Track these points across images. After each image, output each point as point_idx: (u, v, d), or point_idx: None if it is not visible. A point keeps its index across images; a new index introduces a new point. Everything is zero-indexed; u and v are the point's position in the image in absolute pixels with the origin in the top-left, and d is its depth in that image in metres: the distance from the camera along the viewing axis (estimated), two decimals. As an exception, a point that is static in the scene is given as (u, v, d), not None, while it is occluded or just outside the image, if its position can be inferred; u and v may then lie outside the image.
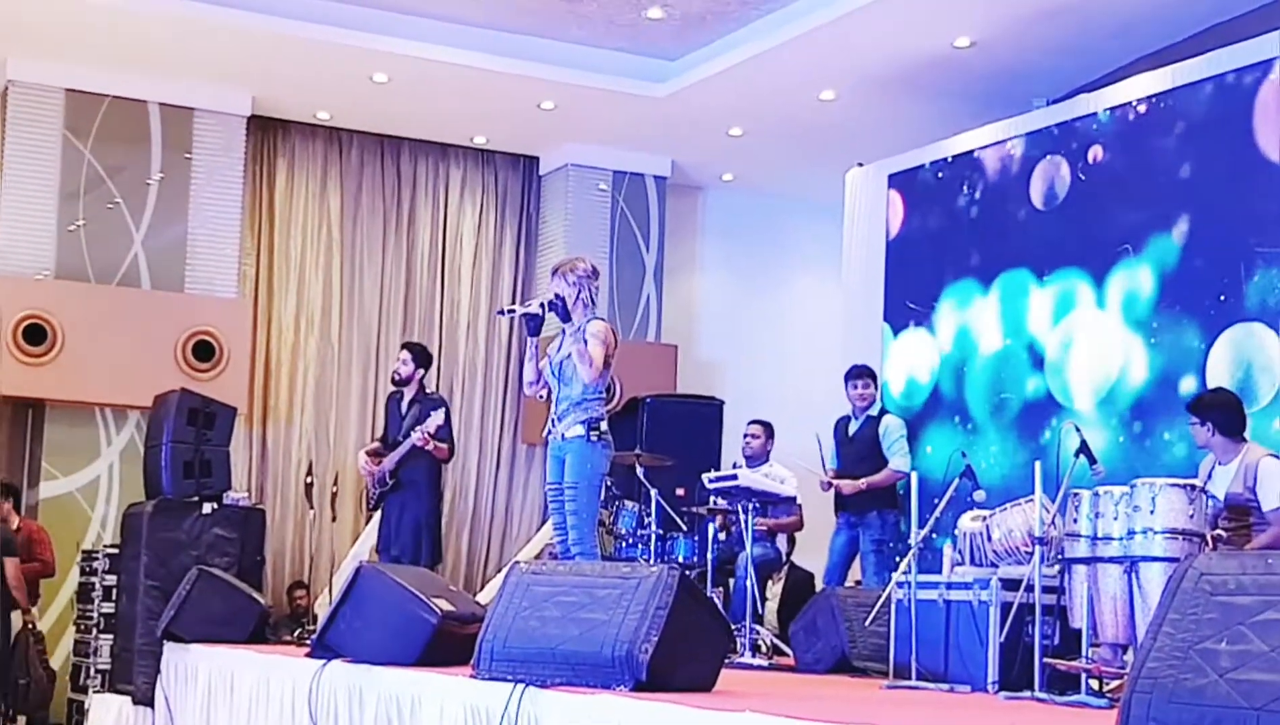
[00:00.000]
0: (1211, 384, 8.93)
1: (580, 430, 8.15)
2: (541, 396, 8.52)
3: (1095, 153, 10.30)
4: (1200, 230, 9.49)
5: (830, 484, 10.35)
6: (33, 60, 12.32)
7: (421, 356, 10.60)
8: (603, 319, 8.30)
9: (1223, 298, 9.23)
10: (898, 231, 12.01)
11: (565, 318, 8.22)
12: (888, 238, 12.09)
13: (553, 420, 8.30)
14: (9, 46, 12.14)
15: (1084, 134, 10.39)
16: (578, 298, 8.26)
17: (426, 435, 10.06)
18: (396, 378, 10.53)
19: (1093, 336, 10.16)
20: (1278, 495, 7.12)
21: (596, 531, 8.43)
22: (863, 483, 10.24)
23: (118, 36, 11.88)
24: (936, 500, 7.61)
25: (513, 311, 8.59)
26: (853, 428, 10.56)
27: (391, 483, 10.26)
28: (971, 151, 11.34)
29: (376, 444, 10.74)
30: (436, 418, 10.16)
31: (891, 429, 10.47)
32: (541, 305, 8.29)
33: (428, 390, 10.66)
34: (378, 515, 10.61)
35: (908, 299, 11.79)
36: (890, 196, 12.09)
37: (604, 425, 8.24)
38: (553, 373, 8.28)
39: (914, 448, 10.77)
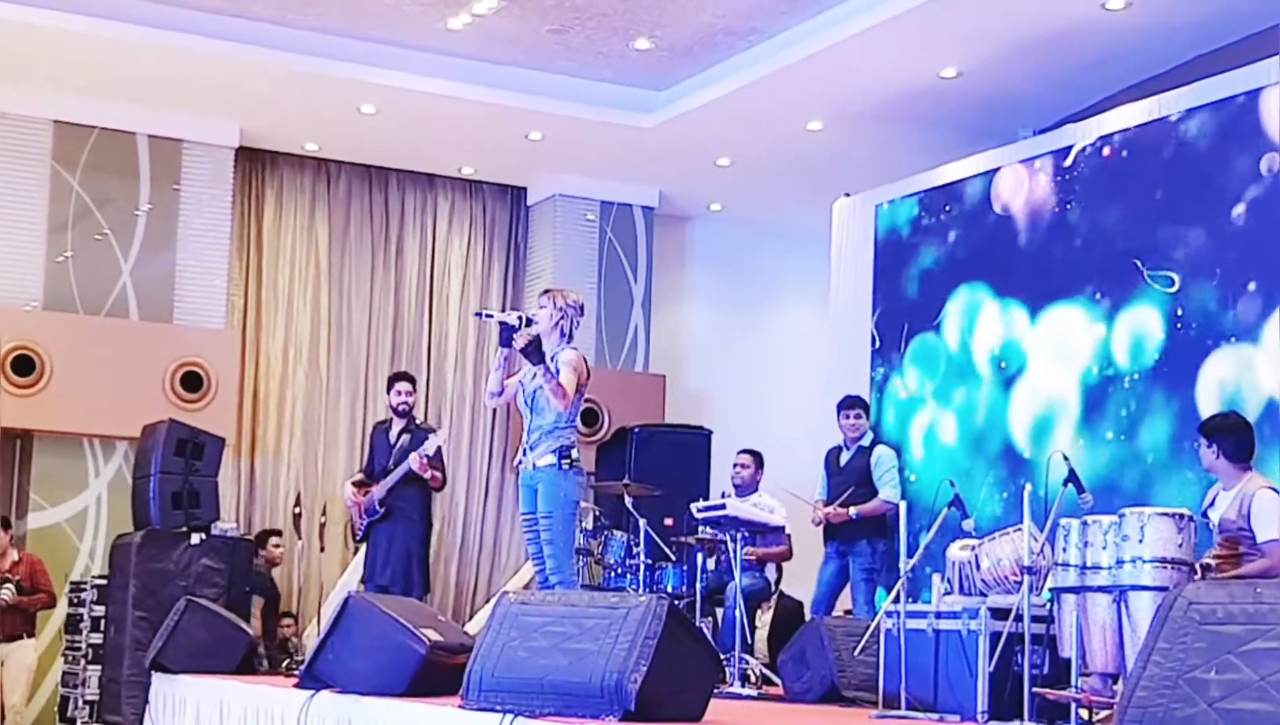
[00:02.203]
0: (1201, 407, 8.94)
1: (552, 459, 8.14)
2: (524, 416, 8.46)
3: (1082, 182, 10.33)
4: (1186, 256, 9.51)
5: (822, 520, 10.35)
6: (21, 91, 12.30)
7: (416, 386, 10.67)
8: (575, 348, 8.31)
9: (1208, 320, 9.26)
10: (884, 261, 12.03)
11: (537, 360, 8.03)
12: (875, 268, 12.10)
13: (524, 449, 8.29)
14: (-3, 77, 12.16)
15: (1070, 164, 10.43)
16: (556, 324, 8.25)
17: (425, 460, 10.06)
18: (402, 409, 10.48)
19: (1080, 364, 10.17)
20: (1271, 527, 7.08)
21: (574, 559, 8.41)
22: (852, 512, 10.24)
23: (106, 68, 11.88)
24: (924, 533, 7.59)
25: (491, 316, 8.55)
26: (844, 458, 10.56)
27: (382, 512, 10.23)
28: (958, 181, 11.37)
29: (360, 475, 10.72)
30: (436, 439, 10.17)
31: (884, 459, 10.49)
32: (520, 317, 8.26)
33: (417, 421, 10.68)
34: (364, 546, 10.60)
35: (894, 329, 11.80)
36: (877, 226, 12.12)
37: (575, 453, 8.22)
38: (525, 403, 8.25)
39: (901, 479, 10.78)
